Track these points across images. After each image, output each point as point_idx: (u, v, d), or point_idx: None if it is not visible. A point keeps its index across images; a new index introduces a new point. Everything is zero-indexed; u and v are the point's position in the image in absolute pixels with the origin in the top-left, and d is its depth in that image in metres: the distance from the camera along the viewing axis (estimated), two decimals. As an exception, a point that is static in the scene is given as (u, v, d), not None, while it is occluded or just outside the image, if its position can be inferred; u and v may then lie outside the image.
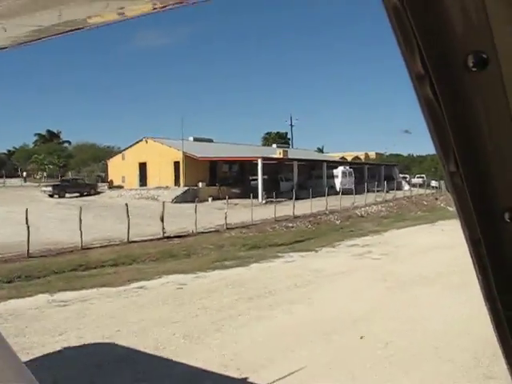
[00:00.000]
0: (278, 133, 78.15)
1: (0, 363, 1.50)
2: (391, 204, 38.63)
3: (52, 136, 75.19)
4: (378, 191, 42.66)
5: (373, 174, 53.59)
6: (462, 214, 0.60)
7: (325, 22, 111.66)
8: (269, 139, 74.79)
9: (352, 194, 38.01)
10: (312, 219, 28.71)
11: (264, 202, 36.67)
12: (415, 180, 57.52)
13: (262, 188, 38.84)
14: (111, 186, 48.72)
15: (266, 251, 18.95)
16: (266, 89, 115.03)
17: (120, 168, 49.02)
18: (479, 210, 0.59)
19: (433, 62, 0.51)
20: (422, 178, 55.95)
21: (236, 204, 34.28)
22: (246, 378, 6.50)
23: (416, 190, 48.72)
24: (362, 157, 70.20)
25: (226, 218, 24.26)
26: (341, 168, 47.34)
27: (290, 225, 26.67)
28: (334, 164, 51.03)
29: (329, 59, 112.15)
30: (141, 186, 46.11)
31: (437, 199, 41.91)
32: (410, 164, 69.57)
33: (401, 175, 59.02)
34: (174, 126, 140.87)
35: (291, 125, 77.27)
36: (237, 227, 24.72)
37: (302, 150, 63.23)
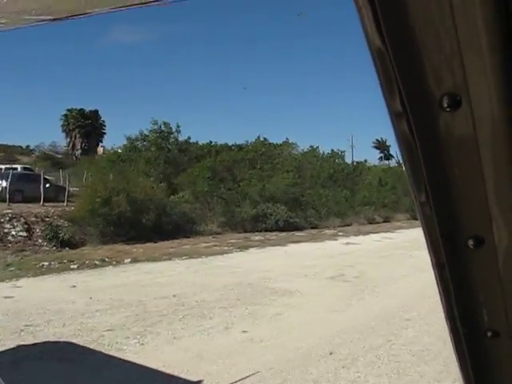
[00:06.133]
0: (81, 110, 50.50)
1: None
2: None
3: None
4: None
5: None
6: (430, 240, 0.67)
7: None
8: (69, 118, 50.08)
9: None
10: None
11: None
12: None
13: None
14: None
15: None
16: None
17: None
18: (445, 237, 0.66)
19: (410, 100, 0.56)
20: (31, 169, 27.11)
21: None
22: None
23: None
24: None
25: None
26: None
27: None
28: None
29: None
30: None
31: None
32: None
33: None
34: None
35: None
36: None
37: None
